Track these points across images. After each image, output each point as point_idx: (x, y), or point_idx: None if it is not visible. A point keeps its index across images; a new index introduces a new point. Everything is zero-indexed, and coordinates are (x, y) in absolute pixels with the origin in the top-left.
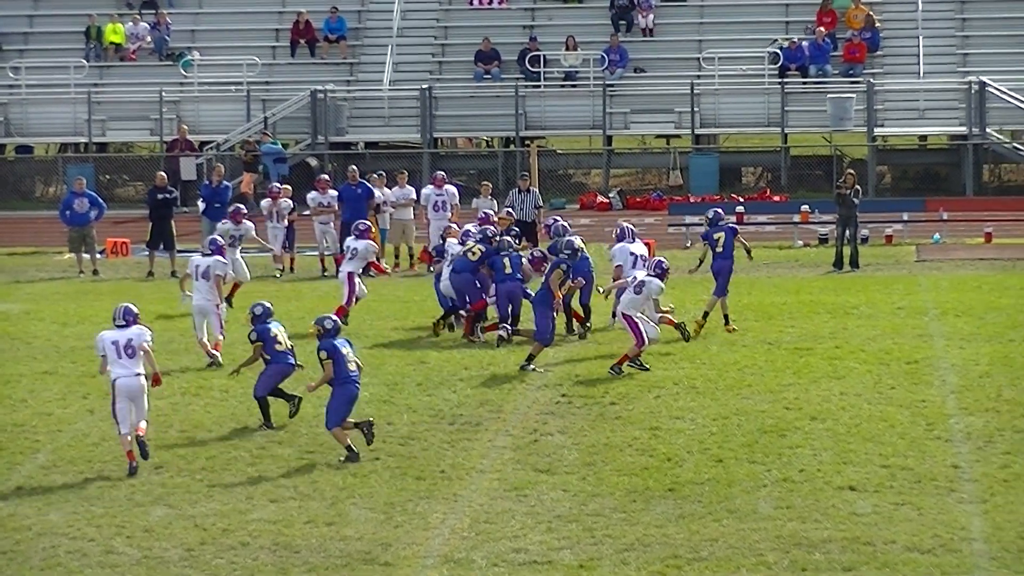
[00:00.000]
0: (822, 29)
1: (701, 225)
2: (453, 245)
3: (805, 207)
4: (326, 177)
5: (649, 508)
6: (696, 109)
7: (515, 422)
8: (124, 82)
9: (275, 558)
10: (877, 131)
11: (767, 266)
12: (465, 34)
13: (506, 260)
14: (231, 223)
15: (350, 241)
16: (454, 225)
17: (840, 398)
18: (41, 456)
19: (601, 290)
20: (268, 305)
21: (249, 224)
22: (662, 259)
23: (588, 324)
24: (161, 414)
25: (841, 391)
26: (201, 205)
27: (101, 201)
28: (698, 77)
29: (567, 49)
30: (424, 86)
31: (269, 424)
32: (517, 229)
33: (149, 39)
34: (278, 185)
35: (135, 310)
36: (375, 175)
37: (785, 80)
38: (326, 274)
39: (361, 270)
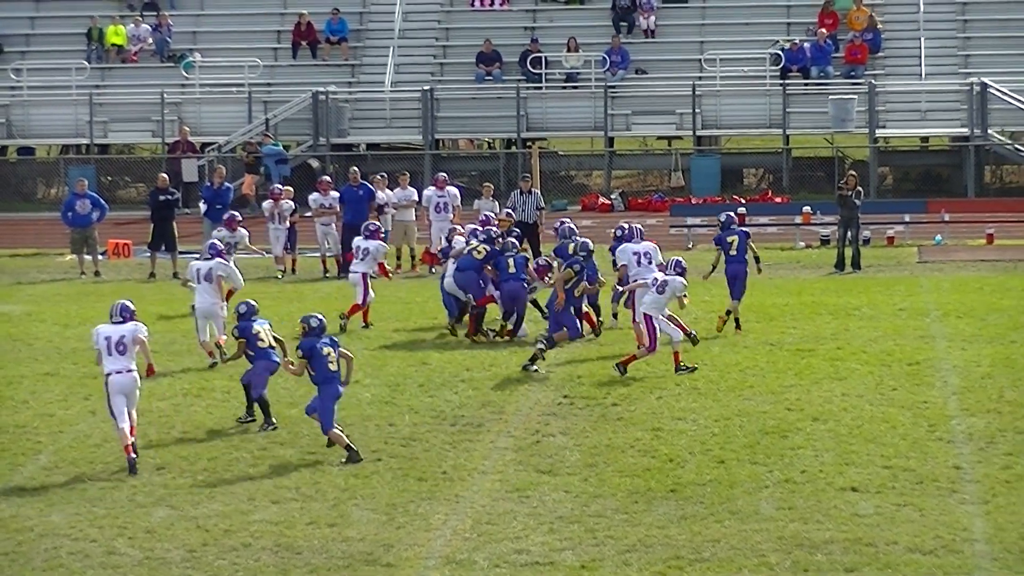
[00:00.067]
0: (824, 30)
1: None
2: (460, 242)
3: (807, 208)
4: (328, 178)
5: (651, 509)
6: (697, 110)
7: (517, 423)
8: (126, 84)
9: (277, 559)
10: (879, 132)
11: (769, 267)
12: (466, 35)
13: (510, 260)
14: (226, 230)
15: (360, 241)
16: (459, 227)
17: (842, 399)
18: (43, 457)
19: (614, 293)
20: (253, 304)
21: (244, 231)
22: (680, 259)
23: (601, 320)
24: (163, 415)
25: (843, 392)
26: (202, 207)
27: (103, 203)
28: (699, 78)
29: (568, 50)
30: (426, 88)
31: (270, 423)
32: (518, 230)
33: (151, 41)
34: (279, 186)
35: (132, 307)
36: (377, 176)
37: (787, 81)
38: (327, 275)
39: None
